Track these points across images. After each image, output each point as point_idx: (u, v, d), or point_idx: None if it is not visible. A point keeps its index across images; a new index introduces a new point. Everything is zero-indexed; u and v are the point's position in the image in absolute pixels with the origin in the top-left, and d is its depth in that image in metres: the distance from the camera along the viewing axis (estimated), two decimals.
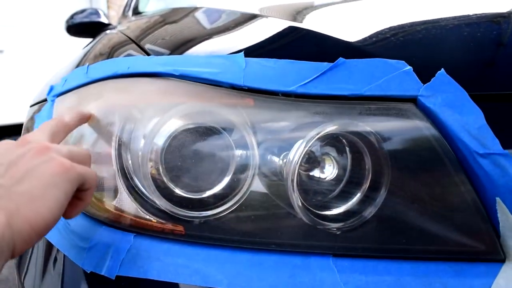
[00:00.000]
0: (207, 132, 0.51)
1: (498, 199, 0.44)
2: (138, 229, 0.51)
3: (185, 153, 0.50)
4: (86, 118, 0.56)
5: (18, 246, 0.36)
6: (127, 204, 0.52)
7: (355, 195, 0.50)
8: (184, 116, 0.51)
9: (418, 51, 0.54)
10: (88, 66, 0.64)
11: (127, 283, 0.48)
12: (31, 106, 0.87)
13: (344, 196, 0.51)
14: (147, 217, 0.51)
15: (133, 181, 0.53)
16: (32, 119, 0.78)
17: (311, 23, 0.67)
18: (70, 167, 0.42)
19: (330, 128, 0.47)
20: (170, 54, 0.63)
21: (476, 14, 0.61)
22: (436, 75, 0.47)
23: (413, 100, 0.48)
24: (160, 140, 0.50)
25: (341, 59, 0.48)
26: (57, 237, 0.55)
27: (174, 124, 0.50)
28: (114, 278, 0.48)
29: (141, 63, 0.57)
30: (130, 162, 0.53)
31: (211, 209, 0.50)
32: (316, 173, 0.52)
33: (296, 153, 0.46)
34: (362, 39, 0.56)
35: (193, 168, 0.51)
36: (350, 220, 0.49)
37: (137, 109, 0.54)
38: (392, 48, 0.55)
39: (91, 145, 0.57)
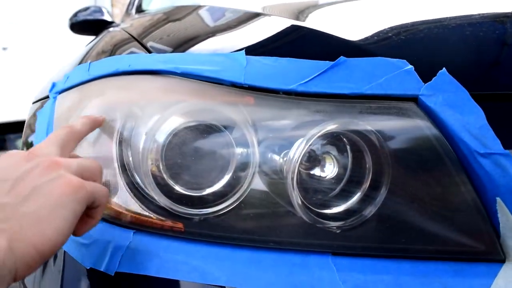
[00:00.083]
0: (207, 129, 0.51)
1: (498, 199, 0.44)
2: (138, 225, 0.51)
3: (185, 151, 0.50)
4: (99, 123, 0.54)
5: (20, 270, 0.35)
6: (127, 201, 0.52)
7: (355, 194, 0.50)
8: (185, 113, 0.51)
9: (420, 50, 0.54)
10: (90, 63, 0.64)
11: (126, 280, 0.48)
12: (33, 103, 0.87)
13: (344, 195, 0.51)
14: (147, 214, 0.51)
15: (134, 178, 0.53)
16: (34, 115, 0.78)
17: (314, 22, 0.67)
18: (79, 187, 0.40)
19: (331, 126, 0.47)
20: (172, 52, 0.64)
21: (478, 14, 0.61)
22: (437, 74, 0.47)
23: (414, 99, 0.47)
24: (160, 138, 0.50)
25: (342, 58, 0.48)
26: None
27: (175, 122, 0.50)
28: (113, 275, 0.48)
29: (142, 60, 0.57)
30: (130, 159, 0.53)
31: (211, 206, 0.50)
32: (316, 171, 0.52)
33: (297, 152, 0.46)
34: (364, 38, 0.56)
35: (193, 166, 0.51)
36: (350, 219, 0.49)
37: (138, 107, 0.54)
38: (393, 47, 0.55)
39: (92, 142, 0.57)
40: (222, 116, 0.51)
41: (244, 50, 0.52)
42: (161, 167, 0.50)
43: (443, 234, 0.46)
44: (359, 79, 0.48)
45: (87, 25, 1.79)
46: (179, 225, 0.50)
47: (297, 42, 0.62)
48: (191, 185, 0.51)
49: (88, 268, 0.50)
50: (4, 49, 4.84)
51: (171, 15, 0.97)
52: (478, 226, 0.46)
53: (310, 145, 0.47)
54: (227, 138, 0.51)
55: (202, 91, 0.52)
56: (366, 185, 0.50)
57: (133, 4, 1.72)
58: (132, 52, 0.71)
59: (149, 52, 0.66)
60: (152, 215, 0.51)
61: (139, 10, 1.63)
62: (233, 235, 0.50)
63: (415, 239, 0.47)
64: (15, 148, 4.92)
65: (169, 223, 0.50)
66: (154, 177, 0.49)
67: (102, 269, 0.48)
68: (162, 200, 0.49)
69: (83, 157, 0.50)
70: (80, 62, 0.77)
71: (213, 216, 0.50)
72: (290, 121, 0.50)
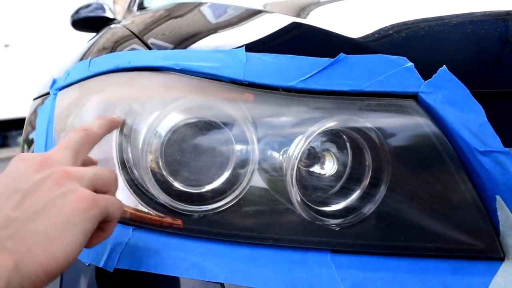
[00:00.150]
0: (207, 126, 0.51)
1: (498, 197, 0.44)
2: (137, 222, 0.51)
3: (185, 147, 0.50)
4: (116, 124, 0.52)
5: None
6: (127, 197, 0.52)
7: (355, 191, 0.50)
8: (185, 110, 0.51)
9: (421, 47, 0.54)
10: (90, 60, 0.64)
11: (125, 276, 0.49)
12: (34, 99, 0.87)
13: (344, 192, 0.51)
14: (146, 210, 0.51)
15: (133, 174, 0.53)
16: (35, 112, 0.79)
17: (315, 19, 0.67)
18: (91, 204, 0.38)
19: (330, 123, 0.46)
20: (173, 48, 0.64)
21: (479, 12, 0.61)
22: (437, 72, 0.46)
23: (414, 96, 0.47)
24: (160, 134, 0.50)
25: (342, 55, 0.48)
26: None
27: (174, 118, 0.50)
28: (112, 271, 0.48)
29: (142, 57, 0.57)
30: (130, 155, 0.53)
31: (210, 203, 0.50)
32: (316, 169, 0.52)
33: (296, 149, 0.46)
34: (365, 35, 0.56)
35: (193, 162, 0.51)
36: (350, 216, 0.49)
37: (138, 103, 0.54)
38: (394, 45, 0.55)
39: None
40: (221, 113, 0.51)
41: (244, 47, 0.52)
42: (160, 163, 0.50)
43: (442, 232, 0.46)
44: (359, 76, 0.48)
45: (89, 22, 1.79)
46: (178, 221, 0.50)
47: (298, 39, 0.62)
48: (191, 181, 0.51)
49: (87, 264, 0.50)
50: (6, 46, 4.85)
51: (172, 12, 0.97)
52: (477, 224, 0.45)
53: (309, 142, 0.47)
54: (227, 135, 0.51)
55: (202, 87, 0.52)
56: (366, 182, 0.49)
57: (135, 1, 1.72)
58: (132, 49, 0.71)
59: (150, 49, 0.66)
60: (151, 212, 0.51)
61: (141, 7, 1.63)
62: (232, 232, 0.50)
63: (414, 237, 0.47)
64: (17, 145, 4.93)
65: (168, 219, 0.50)
66: (154, 173, 0.49)
67: (101, 265, 0.48)
68: (161, 196, 0.49)
69: (97, 166, 0.47)
70: (81, 59, 0.77)
71: (213, 213, 0.50)
72: (289, 118, 0.50)
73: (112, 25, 1.18)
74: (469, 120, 0.44)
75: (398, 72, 0.47)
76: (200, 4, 0.93)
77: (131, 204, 0.52)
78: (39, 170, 0.39)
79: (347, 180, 0.51)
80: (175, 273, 0.47)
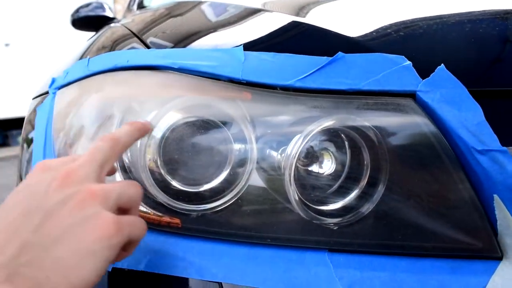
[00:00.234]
0: (205, 125, 0.51)
1: (495, 196, 0.44)
2: None
3: (183, 146, 0.50)
4: (146, 130, 0.48)
5: None
6: None
7: (353, 190, 0.50)
8: (183, 109, 0.51)
9: (419, 46, 0.54)
10: (89, 59, 0.64)
11: (122, 275, 0.49)
12: (34, 98, 0.87)
13: (342, 191, 0.51)
14: (144, 209, 0.51)
15: (131, 173, 0.53)
16: (34, 111, 0.79)
17: (314, 18, 0.67)
18: (115, 232, 0.35)
19: (328, 122, 0.46)
20: (172, 47, 0.64)
21: (478, 11, 0.61)
22: (435, 70, 0.46)
23: (412, 95, 0.47)
24: (158, 133, 0.50)
25: (339, 54, 0.48)
26: None
27: (172, 117, 0.50)
28: (110, 270, 0.48)
29: (140, 56, 0.57)
30: (128, 154, 0.53)
31: (208, 202, 0.50)
32: (314, 168, 0.52)
33: (294, 148, 0.46)
34: (363, 34, 0.56)
35: (191, 161, 0.51)
36: (348, 215, 0.49)
37: (136, 102, 0.54)
38: (392, 43, 0.54)
39: (90, 138, 0.57)
40: (219, 112, 0.51)
41: (242, 45, 0.52)
42: (158, 162, 0.50)
43: (440, 231, 0.46)
44: (356, 75, 0.48)
45: (89, 21, 1.79)
46: (176, 221, 0.50)
47: (297, 38, 0.62)
48: (189, 181, 0.51)
49: None
50: (7, 45, 4.85)
51: (172, 11, 0.97)
52: (475, 223, 0.45)
53: (307, 141, 0.47)
54: (225, 133, 0.51)
55: (200, 86, 0.52)
56: (364, 182, 0.49)
57: (135, 0, 1.72)
58: (131, 48, 0.71)
59: (148, 48, 0.66)
60: (149, 211, 0.51)
61: (141, 6, 1.63)
62: (230, 231, 0.50)
63: (412, 236, 0.47)
64: (18, 144, 4.93)
65: (166, 218, 0.50)
66: (152, 172, 0.49)
67: None
68: (159, 196, 0.49)
69: (123, 181, 0.44)
70: (81, 58, 0.77)
71: (211, 212, 0.50)
72: (287, 117, 0.50)
73: (112, 24, 1.18)
74: (467, 119, 0.44)
75: (396, 70, 0.47)
76: (200, 2, 0.93)
77: None
78: (63, 187, 0.37)
79: (345, 179, 0.51)
80: (173, 273, 0.47)
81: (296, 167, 0.49)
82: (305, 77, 0.48)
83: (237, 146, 0.51)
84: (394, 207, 0.48)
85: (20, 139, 0.91)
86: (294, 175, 0.46)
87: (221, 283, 0.46)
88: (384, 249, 0.47)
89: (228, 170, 0.51)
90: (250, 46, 0.53)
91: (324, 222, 0.48)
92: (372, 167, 0.49)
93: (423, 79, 0.46)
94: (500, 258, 0.45)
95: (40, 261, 0.32)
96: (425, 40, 0.55)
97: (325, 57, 0.49)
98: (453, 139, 0.45)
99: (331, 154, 0.51)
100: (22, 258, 0.32)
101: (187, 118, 0.51)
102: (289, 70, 0.49)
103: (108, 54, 0.62)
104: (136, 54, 0.58)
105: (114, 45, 0.78)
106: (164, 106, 0.50)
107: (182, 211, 0.50)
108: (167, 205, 0.50)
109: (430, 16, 0.60)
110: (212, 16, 0.81)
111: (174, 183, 0.50)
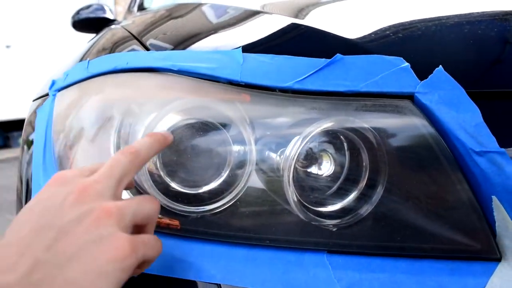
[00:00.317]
0: (204, 127, 0.51)
1: (494, 197, 0.44)
2: None
3: (182, 148, 0.51)
4: (167, 142, 0.47)
5: None
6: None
7: (352, 192, 0.50)
8: (182, 111, 0.51)
9: (417, 48, 0.54)
10: (88, 61, 0.64)
11: None
12: (34, 100, 0.88)
13: (341, 193, 0.51)
14: None
15: None
16: (34, 113, 0.79)
17: (313, 20, 0.67)
18: (128, 254, 0.35)
19: (327, 124, 0.47)
20: (172, 49, 0.64)
21: (476, 12, 0.61)
22: (433, 72, 0.46)
23: (410, 97, 0.47)
24: None
25: (338, 55, 0.48)
26: None
27: (171, 119, 0.50)
28: None
29: (140, 58, 0.57)
30: None
31: (207, 204, 0.51)
32: (313, 169, 0.52)
33: (293, 149, 0.46)
34: (362, 36, 0.56)
35: (190, 163, 0.51)
36: (346, 217, 0.49)
37: (136, 104, 0.55)
38: (390, 45, 0.54)
39: (90, 139, 0.58)
40: (219, 114, 0.51)
41: (241, 47, 0.52)
42: (158, 164, 0.50)
43: (439, 232, 0.46)
44: (355, 76, 0.48)
45: (89, 23, 1.80)
46: (176, 222, 0.50)
47: (296, 40, 0.62)
48: (188, 182, 0.51)
49: None
50: (8, 47, 4.86)
51: (172, 13, 0.97)
52: (473, 224, 0.45)
53: (306, 142, 0.47)
54: (224, 135, 0.51)
55: (199, 88, 0.52)
56: (363, 183, 0.49)
57: (135, 2, 1.73)
58: (131, 50, 0.71)
59: (148, 50, 0.66)
60: None
61: (141, 7, 1.63)
62: (229, 232, 0.50)
63: (411, 238, 0.47)
64: (18, 145, 4.94)
65: (165, 220, 0.50)
66: (151, 174, 0.50)
67: None
68: (158, 197, 0.49)
69: (139, 196, 0.43)
70: (81, 60, 0.77)
71: (210, 213, 0.51)
72: (286, 118, 0.50)
73: (112, 26, 1.18)
74: (465, 120, 0.44)
75: (394, 72, 0.47)
76: (200, 4, 0.94)
77: None
78: (78, 203, 0.36)
79: (344, 181, 0.51)
80: (171, 274, 0.47)
81: (295, 168, 0.49)
82: (303, 79, 0.48)
83: (236, 148, 0.51)
84: (392, 208, 0.48)
85: (21, 140, 0.91)
86: (293, 176, 0.47)
87: (220, 284, 0.46)
88: (383, 250, 0.47)
89: (227, 172, 0.51)
90: (249, 48, 0.54)
91: (323, 224, 0.48)
92: (371, 168, 0.49)
93: (421, 80, 0.47)
94: (498, 260, 0.45)
95: (52, 280, 0.31)
96: (423, 42, 0.55)
97: (324, 59, 0.49)
98: (451, 140, 0.45)
99: (330, 155, 0.52)
100: (34, 276, 0.31)
101: (186, 120, 0.51)
102: (287, 72, 0.49)
103: (108, 56, 0.62)
104: (135, 56, 0.58)
105: (114, 47, 0.78)
106: (163, 108, 0.50)
107: (181, 213, 0.50)
108: (166, 207, 0.50)
109: (429, 18, 0.60)
110: (212, 18, 0.82)
111: (173, 185, 0.50)
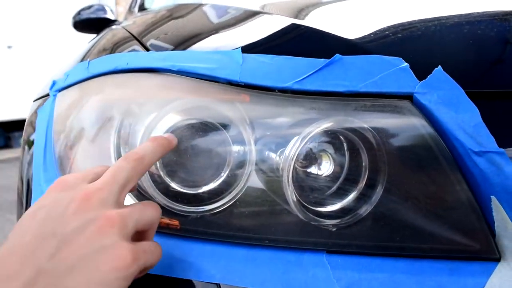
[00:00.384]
0: (204, 127, 0.51)
1: (493, 197, 0.44)
2: None
3: (182, 148, 0.51)
4: (171, 146, 0.47)
5: None
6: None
7: (351, 192, 0.50)
8: (182, 111, 0.51)
9: (416, 48, 0.54)
10: (89, 61, 0.64)
11: None
12: (35, 100, 0.88)
13: (340, 193, 0.51)
14: None
15: None
16: (35, 113, 0.79)
17: (313, 20, 0.67)
18: (130, 263, 0.35)
19: (326, 124, 0.47)
20: (173, 49, 0.64)
21: (475, 12, 0.61)
22: (433, 72, 0.46)
23: (409, 97, 0.47)
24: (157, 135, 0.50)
25: (337, 56, 0.48)
26: None
27: (171, 119, 0.50)
28: None
29: (139, 58, 0.57)
30: None
31: (207, 204, 0.51)
32: (313, 169, 0.52)
33: (292, 149, 0.46)
34: (361, 36, 0.56)
35: (190, 163, 0.51)
36: (346, 217, 0.49)
37: (136, 104, 0.55)
38: (390, 45, 0.55)
39: (90, 140, 0.58)
40: (218, 114, 0.51)
41: (240, 48, 0.52)
42: (157, 164, 0.50)
43: (438, 232, 0.46)
44: (354, 77, 0.48)
45: (90, 23, 1.80)
46: (175, 222, 0.50)
47: (295, 40, 0.62)
48: (188, 182, 0.51)
49: None
50: (9, 47, 4.87)
51: (172, 13, 0.97)
52: (473, 224, 0.45)
53: (305, 143, 0.47)
54: (224, 136, 0.51)
55: (199, 89, 0.53)
56: (362, 183, 0.49)
57: (136, 2, 1.73)
58: (132, 50, 0.71)
59: (148, 50, 0.66)
60: None
61: (142, 8, 1.64)
62: (229, 232, 0.50)
63: (410, 238, 0.47)
64: (20, 146, 4.95)
65: (165, 220, 0.50)
66: (151, 174, 0.50)
67: None
68: (158, 197, 0.49)
69: (141, 203, 0.43)
70: (81, 60, 0.77)
71: (210, 213, 0.51)
72: (286, 118, 0.50)
73: (113, 27, 1.19)
74: (464, 120, 0.44)
75: (393, 72, 0.47)
76: (201, 5, 0.94)
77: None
78: (81, 211, 0.36)
79: (344, 181, 0.51)
80: (171, 274, 0.47)
81: (295, 168, 0.49)
82: (303, 79, 0.48)
83: (235, 148, 0.51)
84: (392, 208, 0.48)
85: (22, 141, 0.92)
86: (293, 176, 0.47)
87: (219, 284, 0.46)
88: (382, 250, 0.47)
89: (227, 172, 0.51)
90: (249, 48, 0.54)
91: (322, 224, 0.48)
92: (370, 168, 0.49)
93: (420, 80, 0.47)
94: (498, 260, 0.45)
95: None
96: (422, 42, 0.55)
97: (323, 59, 0.49)
98: (450, 140, 0.45)
99: (330, 155, 0.52)
100: (36, 285, 0.31)
101: (186, 120, 0.51)
102: (287, 72, 0.49)
103: (108, 56, 0.63)
104: (135, 56, 0.58)
105: (114, 48, 0.79)
106: (163, 108, 0.50)
107: (181, 213, 0.50)
108: (166, 207, 0.50)
109: (428, 18, 0.60)
110: (212, 18, 0.82)
111: (173, 185, 0.51)
